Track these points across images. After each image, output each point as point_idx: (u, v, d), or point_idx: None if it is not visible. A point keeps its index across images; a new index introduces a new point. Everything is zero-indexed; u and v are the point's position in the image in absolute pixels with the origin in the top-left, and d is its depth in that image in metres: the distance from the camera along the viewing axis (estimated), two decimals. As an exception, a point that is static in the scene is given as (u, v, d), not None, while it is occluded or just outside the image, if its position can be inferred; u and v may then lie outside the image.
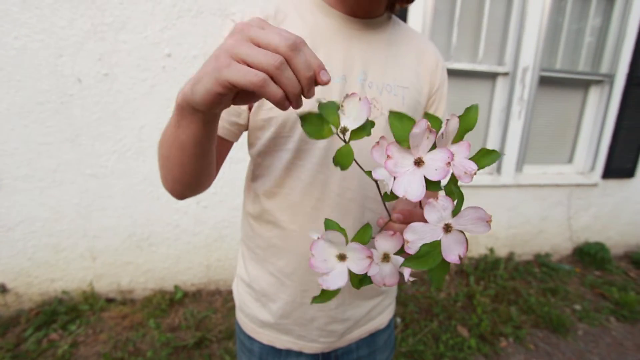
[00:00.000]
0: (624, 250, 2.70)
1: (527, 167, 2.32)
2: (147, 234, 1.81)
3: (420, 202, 0.30)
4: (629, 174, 2.48)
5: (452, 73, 2.04)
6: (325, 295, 0.33)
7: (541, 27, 2.01)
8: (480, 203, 2.24)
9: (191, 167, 0.43)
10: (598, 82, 2.30)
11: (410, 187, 0.27)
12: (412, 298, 1.97)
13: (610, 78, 2.25)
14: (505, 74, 2.10)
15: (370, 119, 0.51)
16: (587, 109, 2.37)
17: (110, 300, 1.84)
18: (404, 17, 1.80)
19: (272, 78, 0.27)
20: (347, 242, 0.32)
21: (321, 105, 0.34)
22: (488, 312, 1.87)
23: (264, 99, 0.49)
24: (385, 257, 0.33)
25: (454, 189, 0.28)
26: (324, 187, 0.53)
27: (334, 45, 0.50)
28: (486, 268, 2.26)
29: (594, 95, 2.33)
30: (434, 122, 0.28)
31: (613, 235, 2.62)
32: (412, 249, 0.29)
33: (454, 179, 0.28)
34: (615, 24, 2.20)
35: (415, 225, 0.28)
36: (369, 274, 0.32)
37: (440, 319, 1.81)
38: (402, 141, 0.28)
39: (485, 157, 0.29)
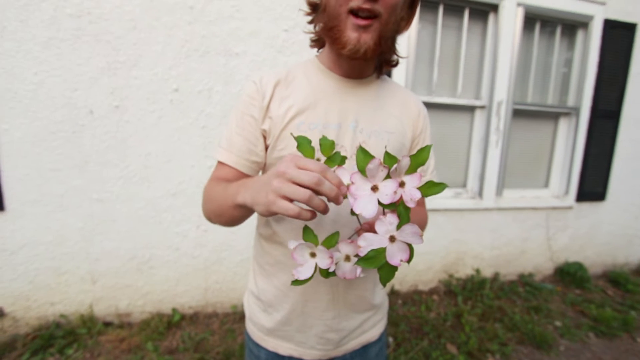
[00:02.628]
0: (602, 269, 2.85)
1: (507, 191, 2.49)
2: (148, 257, 1.87)
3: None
4: (600, 197, 2.67)
5: (435, 106, 2.25)
6: (300, 282, 0.46)
7: (512, 67, 2.25)
8: (465, 225, 2.39)
9: (235, 222, 0.62)
10: (566, 114, 2.53)
11: (366, 208, 0.37)
12: (404, 318, 2.05)
13: (576, 110, 2.49)
14: (482, 107, 2.32)
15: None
16: (558, 138, 2.59)
17: (107, 324, 1.86)
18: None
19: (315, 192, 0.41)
20: (317, 245, 0.44)
21: (297, 138, 0.47)
22: (475, 330, 1.96)
23: (277, 140, 0.62)
24: (347, 258, 0.45)
25: (402, 210, 0.39)
26: (322, 215, 0.65)
27: (332, 100, 0.64)
28: (473, 288, 2.36)
29: (563, 126, 2.56)
30: (390, 160, 0.40)
31: (590, 255, 2.78)
32: (363, 253, 0.39)
33: (403, 202, 0.38)
34: (577, 63, 2.47)
35: (367, 234, 0.39)
36: (330, 270, 0.44)
37: (430, 337, 1.89)
38: (363, 171, 0.39)
39: (431, 188, 0.40)
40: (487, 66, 2.28)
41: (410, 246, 0.39)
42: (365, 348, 0.77)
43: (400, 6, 0.57)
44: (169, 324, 1.87)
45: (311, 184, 0.40)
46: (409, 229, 0.38)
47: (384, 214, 0.39)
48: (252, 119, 0.63)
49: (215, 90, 1.80)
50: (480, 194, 2.39)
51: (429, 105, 2.23)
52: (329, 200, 0.42)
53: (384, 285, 0.43)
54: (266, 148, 0.65)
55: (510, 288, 2.43)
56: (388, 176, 0.39)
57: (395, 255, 0.38)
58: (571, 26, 2.43)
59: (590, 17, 2.35)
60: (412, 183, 0.39)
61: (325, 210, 0.42)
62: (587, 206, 2.67)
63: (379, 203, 0.38)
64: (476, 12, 2.22)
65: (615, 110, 2.55)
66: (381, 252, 0.39)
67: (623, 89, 2.53)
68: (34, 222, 1.71)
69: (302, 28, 1.84)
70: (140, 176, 1.79)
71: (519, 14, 2.20)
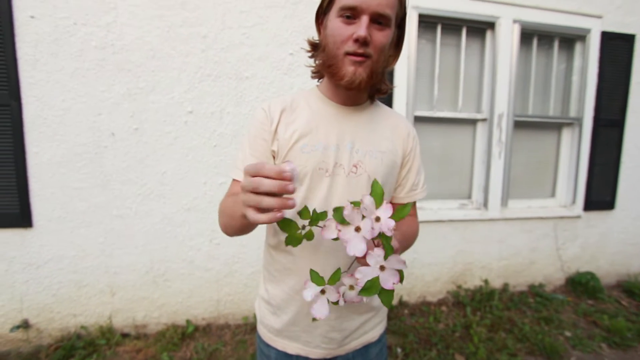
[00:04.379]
0: (616, 279, 2.80)
1: (512, 201, 2.51)
2: (164, 270, 1.96)
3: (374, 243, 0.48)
4: (609, 206, 2.66)
5: (437, 121, 2.32)
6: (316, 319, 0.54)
7: (511, 80, 2.31)
8: (471, 235, 2.41)
9: (245, 230, 0.68)
10: (569, 124, 2.57)
11: (356, 248, 0.45)
12: (412, 329, 2.07)
13: (579, 121, 2.52)
14: (484, 119, 2.38)
15: (355, 176, 0.72)
16: (562, 148, 2.62)
17: (125, 335, 1.93)
18: (390, 80, 2.10)
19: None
20: (324, 284, 0.52)
21: (280, 224, 0.55)
22: (484, 340, 1.96)
23: (283, 160, 0.70)
24: (351, 287, 0.53)
25: (384, 243, 0.46)
26: (318, 238, 0.72)
27: (331, 124, 0.73)
28: (482, 299, 2.36)
29: (567, 136, 2.59)
30: (355, 204, 0.47)
31: (603, 264, 2.74)
32: (360, 284, 0.47)
33: (384, 235, 0.46)
34: (577, 74, 2.52)
35: (361, 268, 0.47)
36: (339, 304, 0.53)
37: (439, 348, 1.90)
38: (342, 222, 0.47)
39: (400, 212, 0.47)
40: (487, 80, 2.36)
41: (400, 270, 0.47)
42: (366, 348, 0.83)
43: (387, 47, 0.67)
44: (183, 335, 1.94)
45: (251, 189, 0.43)
46: (394, 259, 0.46)
47: (375, 245, 0.47)
48: (263, 141, 0.72)
49: (226, 111, 1.92)
50: (485, 204, 2.42)
51: (430, 120, 2.31)
52: (280, 194, 0.44)
53: (388, 307, 0.50)
54: None
55: (520, 299, 2.42)
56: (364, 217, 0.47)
57: (388, 281, 0.46)
58: (569, 39, 2.50)
59: (587, 31, 2.42)
60: (386, 214, 0.46)
61: (283, 205, 0.43)
62: (595, 215, 2.66)
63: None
64: (473, 29, 2.32)
65: (619, 119, 2.58)
66: (375, 281, 0.47)
67: (625, 97, 2.56)
68: (58, 238, 1.83)
69: (306, 52, 1.96)
70: (157, 193, 1.90)
71: (516, 30, 2.28)
